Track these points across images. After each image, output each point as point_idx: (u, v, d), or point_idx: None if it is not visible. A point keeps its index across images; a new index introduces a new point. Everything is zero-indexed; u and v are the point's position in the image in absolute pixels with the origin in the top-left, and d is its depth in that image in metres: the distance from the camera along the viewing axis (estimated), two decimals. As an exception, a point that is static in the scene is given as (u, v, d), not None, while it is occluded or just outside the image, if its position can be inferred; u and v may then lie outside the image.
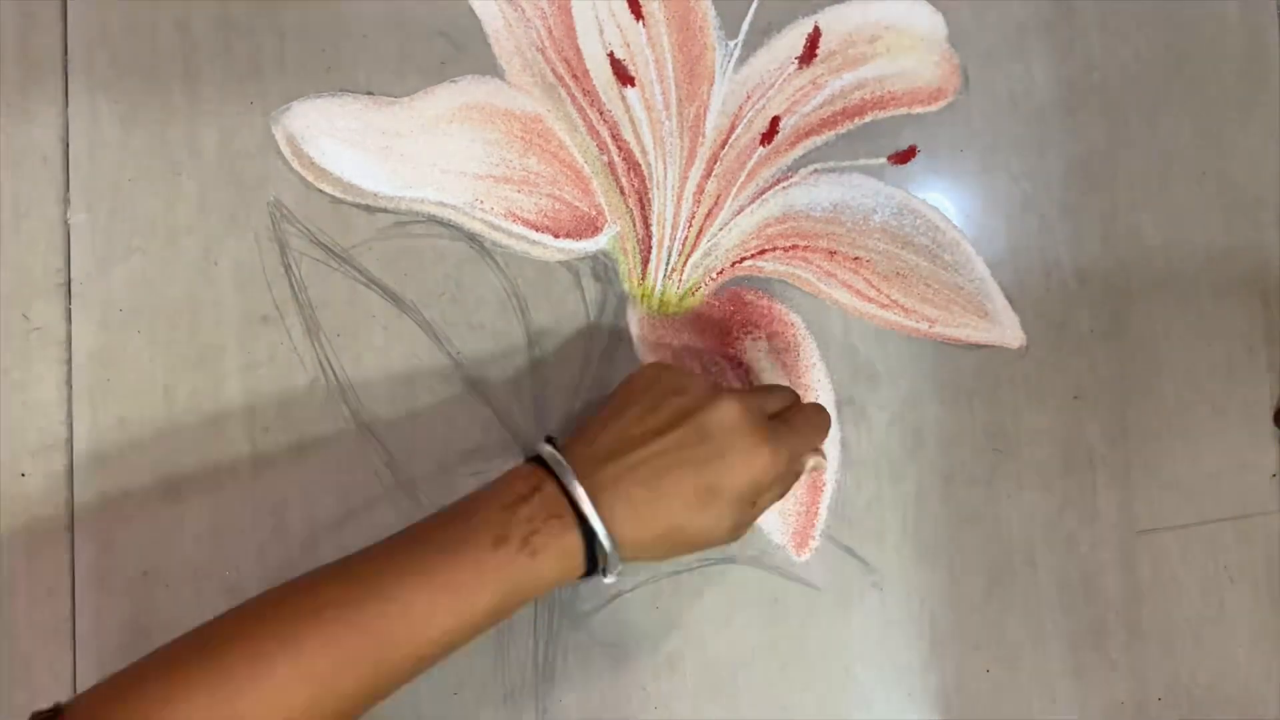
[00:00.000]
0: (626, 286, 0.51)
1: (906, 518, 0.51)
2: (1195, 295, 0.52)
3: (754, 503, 0.42)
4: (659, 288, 0.51)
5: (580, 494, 0.40)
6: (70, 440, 0.49)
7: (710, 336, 0.51)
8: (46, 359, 0.49)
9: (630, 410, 0.43)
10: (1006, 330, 0.51)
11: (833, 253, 0.51)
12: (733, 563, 0.50)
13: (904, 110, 0.52)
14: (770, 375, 0.51)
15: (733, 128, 0.51)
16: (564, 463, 0.41)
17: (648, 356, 0.50)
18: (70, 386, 0.49)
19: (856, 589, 0.50)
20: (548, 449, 0.42)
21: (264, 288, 0.50)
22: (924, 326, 0.51)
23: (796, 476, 0.45)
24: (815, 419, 0.45)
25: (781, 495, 0.45)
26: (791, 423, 0.44)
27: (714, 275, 0.51)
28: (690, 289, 0.51)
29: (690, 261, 0.51)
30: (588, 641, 0.50)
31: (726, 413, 0.42)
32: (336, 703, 0.37)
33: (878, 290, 0.51)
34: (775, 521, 0.50)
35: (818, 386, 0.51)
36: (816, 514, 0.50)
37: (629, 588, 0.50)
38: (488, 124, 0.50)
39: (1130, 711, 0.51)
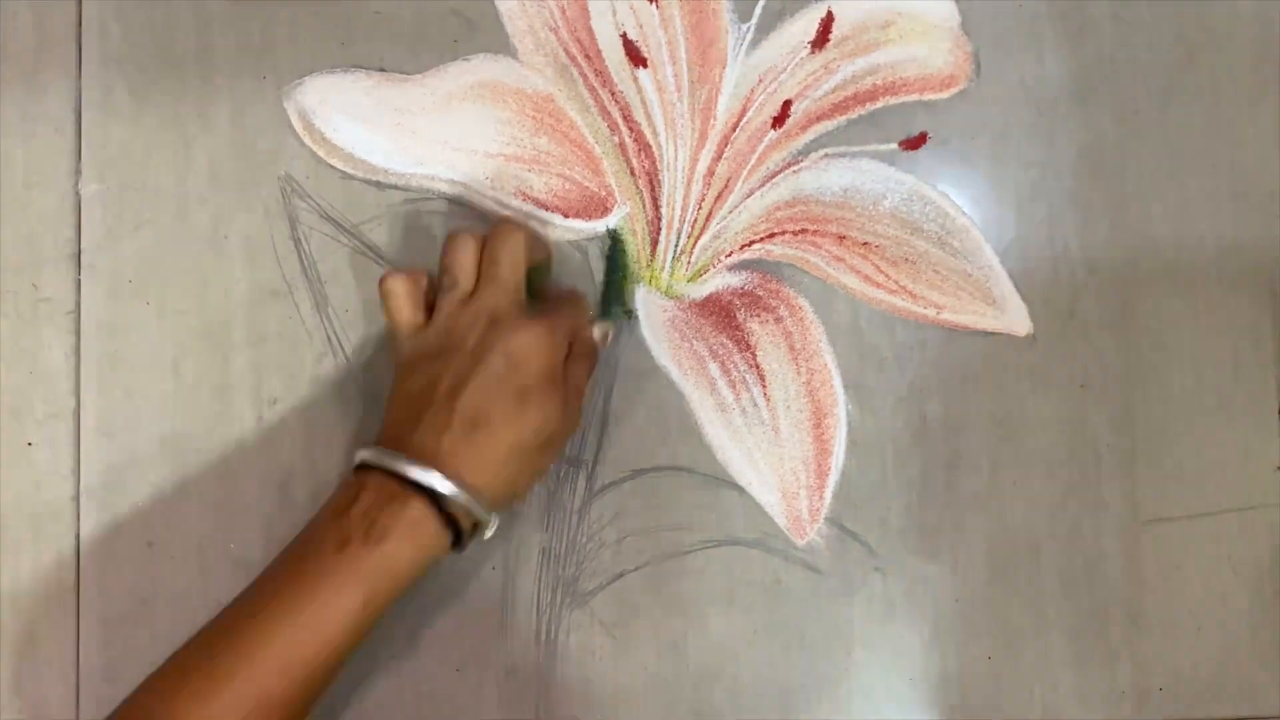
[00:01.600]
0: (635, 268, 0.51)
1: (910, 503, 0.51)
2: (1203, 287, 0.52)
3: (563, 379, 0.43)
4: (667, 269, 0.51)
5: (400, 461, 0.41)
6: (77, 410, 0.49)
7: (718, 319, 0.51)
8: (55, 329, 0.49)
9: (406, 380, 0.44)
10: (1014, 318, 0.51)
11: (842, 238, 0.51)
12: (735, 545, 0.50)
13: (915, 97, 0.52)
14: (777, 358, 0.51)
15: (744, 111, 0.51)
16: (375, 447, 0.42)
17: (655, 338, 0.51)
18: (78, 357, 0.49)
19: (859, 573, 0.50)
20: (359, 452, 0.42)
21: (273, 262, 0.50)
22: (931, 313, 0.51)
23: (593, 349, 0.47)
24: (573, 294, 0.48)
25: (591, 368, 0.47)
26: (555, 305, 0.46)
27: (723, 258, 0.51)
28: (699, 271, 0.51)
29: (699, 244, 0.51)
30: (589, 620, 0.50)
31: (477, 317, 0.43)
32: None
33: (886, 276, 0.51)
34: (778, 504, 0.50)
35: (825, 370, 0.51)
36: (821, 497, 0.50)
37: (631, 568, 0.50)
38: (499, 102, 0.50)
39: (1131, 701, 0.51)
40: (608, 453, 0.50)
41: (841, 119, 0.51)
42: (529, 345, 0.42)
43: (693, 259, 0.51)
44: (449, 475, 0.41)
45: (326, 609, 0.39)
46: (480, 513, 0.42)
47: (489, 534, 0.43)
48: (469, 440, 0.41)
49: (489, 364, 0.42)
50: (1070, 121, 0.52)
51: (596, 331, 0.48)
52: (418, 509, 0.40)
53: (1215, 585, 0.51)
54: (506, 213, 0.49)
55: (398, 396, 0.44)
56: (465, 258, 0.45)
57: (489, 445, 0.42)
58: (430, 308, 0.45)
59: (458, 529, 0.42)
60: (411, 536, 0.40)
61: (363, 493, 0.41)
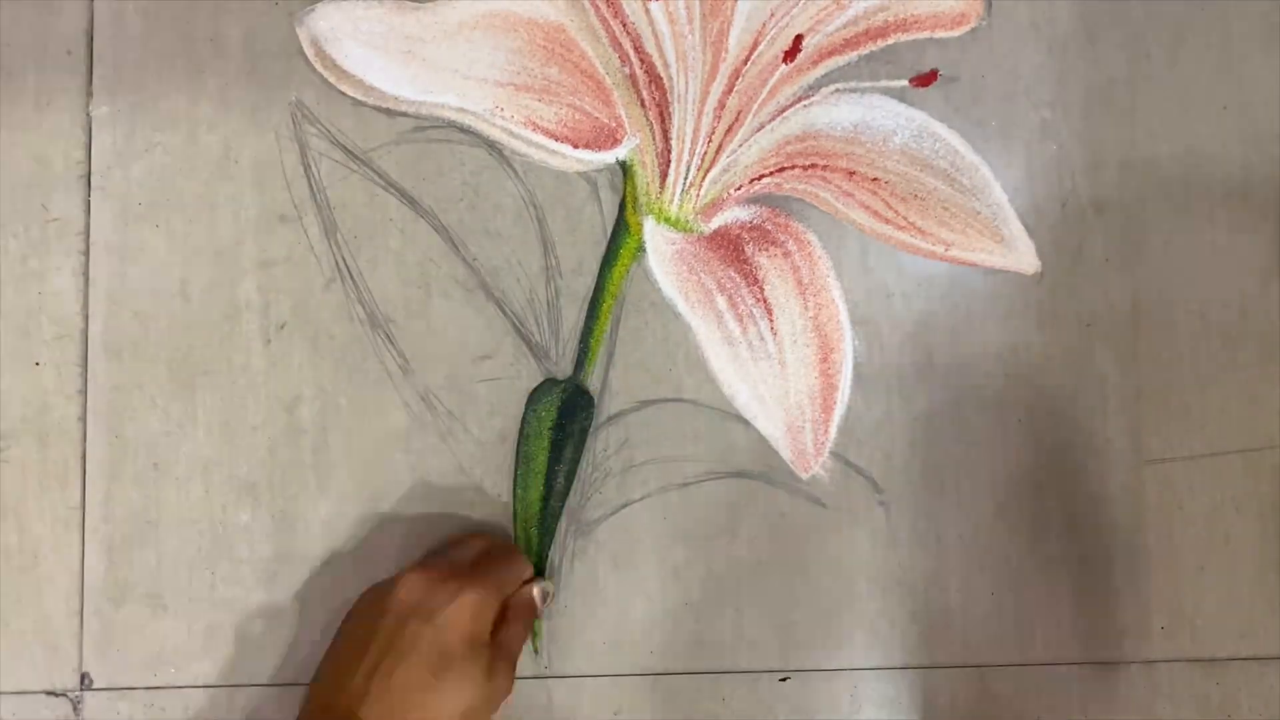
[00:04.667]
0: (644, 200, 0.51)
1: (915, 438, 0.51)
2: (1211, 227, 0.52)
3: (492, 644, 0.44)
4: (676, 202, 0.51)
5: None
6: (85, 331, 0.49)
7: (726, 252, 0.51)
8: (64, 249, 0.49)
9: (342, 647, 0.45)
10: (1022, 256, 0.51)
11: (851, 173, 0.51)
12: (740, 477, 0.50)
13: (927, 34, 0.52)
14: (784, 292, 0.51)
15: (756, 44, 0.51)
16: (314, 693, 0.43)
17: (663, 271, 0.51)
18: (87, 278, 0.49)
19: (863, 507, 0.50)
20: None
21: (283, 187, 0.50)
22: (940, 249, 0.51)
23: (530, 609, 0.47)
24: (507, 551, 0.48)
25: (527, 630, 0.47)
26: (486, 565, 0.46)
27: (732, 191, 0.51)
28: (708, 204, 0.51)
29: (709, 177, 0.51)
30: (593, 549, 0.50)
31: (410, 586, 0.44)
32: None
33: (895, 211, 0.51)
34: (783, 437, 0.50)
35: (832, 305, 0.51)
36: (826, 431, 0.51)
37: (636, 498, 0.50)
38: (510, 32, 0.50)
39: (1133, 640, 0.51)
40: (614, 383, 0.50)
41: (853, 54, 0.51)
42: (454, 611, 0.43)
43: (702, 192, 0.51)
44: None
45: None
46: None
47: None
48: (385, 709, 0.42)
49: (408, 629, 0.43)
50: (1080, 61, 0.52)
51: (536, 592, 0.47)
52: None
53: (1218, 526, 0.51)
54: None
55: (329, 659, 0.45)
56: (473, 543, 0.47)
57: (404, 710, 0.42)
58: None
59: None
60: None
61: None
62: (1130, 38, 0.52)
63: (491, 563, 0.47)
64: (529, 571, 0.48)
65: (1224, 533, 0.51)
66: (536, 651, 0.49)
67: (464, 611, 0.43)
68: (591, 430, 0.50)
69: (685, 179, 0.51)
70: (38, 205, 0.49)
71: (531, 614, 0.47)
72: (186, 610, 0.49)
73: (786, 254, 0.51)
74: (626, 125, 0.51)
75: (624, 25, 0.51)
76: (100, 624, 0.48)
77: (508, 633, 0.46)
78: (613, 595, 0.50)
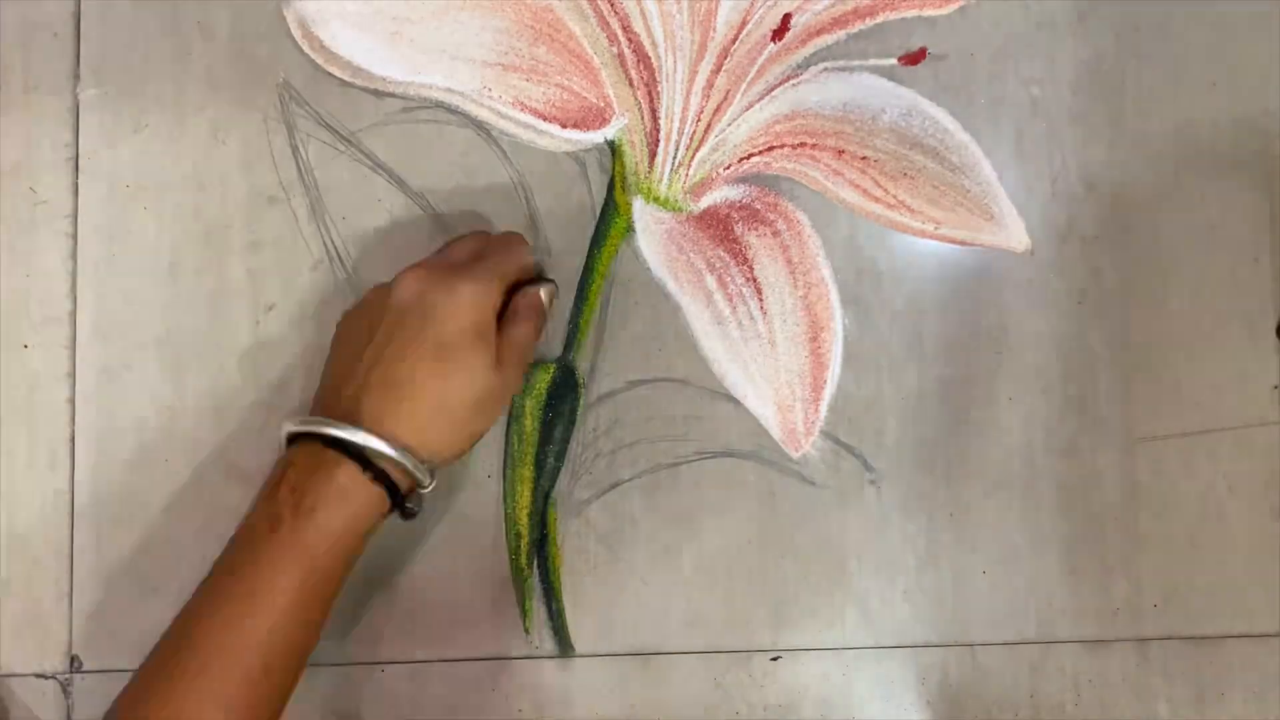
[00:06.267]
0: (633, 179, 0.51)
1: (906, 417, 0.51)
2: (1202, 205, 0.52)
3: (496, 336, 0.43)
4: (665, 181, 0.51)
5: (323, 424, 0.40)
6: (74, 313, 0.49)
7: (716, 232, 0.51)
8: (52, 232, 0.49)
9: (336, 349, 0.44)
10: (1012, 234, 0.51)
11: (840, 152, 0.51)
12: (730, 456, 0.50)
13: (915, 12, 0.51)
14: (774, 271, 0.50)
15: (744, 23, 0.51)
16: (299, 417, 0.42)
17: (652, 250, 0.50)
18: (75, 260, 0.49)
19: (854, 486, 0.50)
20: (284, 424, 0.42)
21: (271, 168, 0.50)
22: (930, 228, 0.51)
23: (534, 309, 0.46)
24: (506, 241, 0.46)
25: (538, 328, 0.45)
26: (485, 256, 0.45)
27: (721, 170, 0.51)
28: (697, 184, 0.51)
29: (698, 156, 0.51)
30: (584, 529, 0.50)
31: (408, 283, 0.43)
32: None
33: (884, 190, 0.51)
34: (773, 416, 0.50)
35: (822, 284, 0.51)
36: (816, 410, 0.50)
37: (626, 478, 0.50)
38: (498, 12, 0.50)
39: (1126, 618, 0.51)
40: (604, 363, 0.50)
41: (841, 33, 0.51)
42: (450, 302, 0.42)
43: (691, 171, 0.51)
44: (373, 434, 0.40)
45: (269, 595, 0.39)
46: (413, 468, 0.41)
47: (428, 489, 0.43)
48: (391, 399, 0.41)
49: (407, 324, 0.42)
50: (1070, 38, 0.52)
51: (542, 293, 0.46)
52: (346, 475, 0.40)
53: (1211, 503, 0.51)
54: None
55: (328, 366, 0.44)
56: (470, 240, 0.46)
57: (412, 404, 0.41)
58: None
59: (395, 491, 0.41)
60: (343, 503, 0.40)
61: (290, 468, 0.41)
62: (1119, 14, 0.52)
63: (490, 253, 0.45)
64: (530, 259, 0.47)
65: (1216, 510, 0.51)
66: (527, 632, 0.49)
67: (462, 302, 0.42)
68: (581, 410, 0.50)
69: (674, 158, 0.51)
70: (25, 188, 0.49)
71: (538, 314, 0.46)
72: (176, 593, 0.48)
73: (776, 233, 0.51)
74: (615, 105, 0.51)
75: (612, 4, 0.50)
76: (90, 607, 0.48)
77: (515, 330, 0.44)
78: (603, 575, 0.50)
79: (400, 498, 0.42)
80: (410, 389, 0.41)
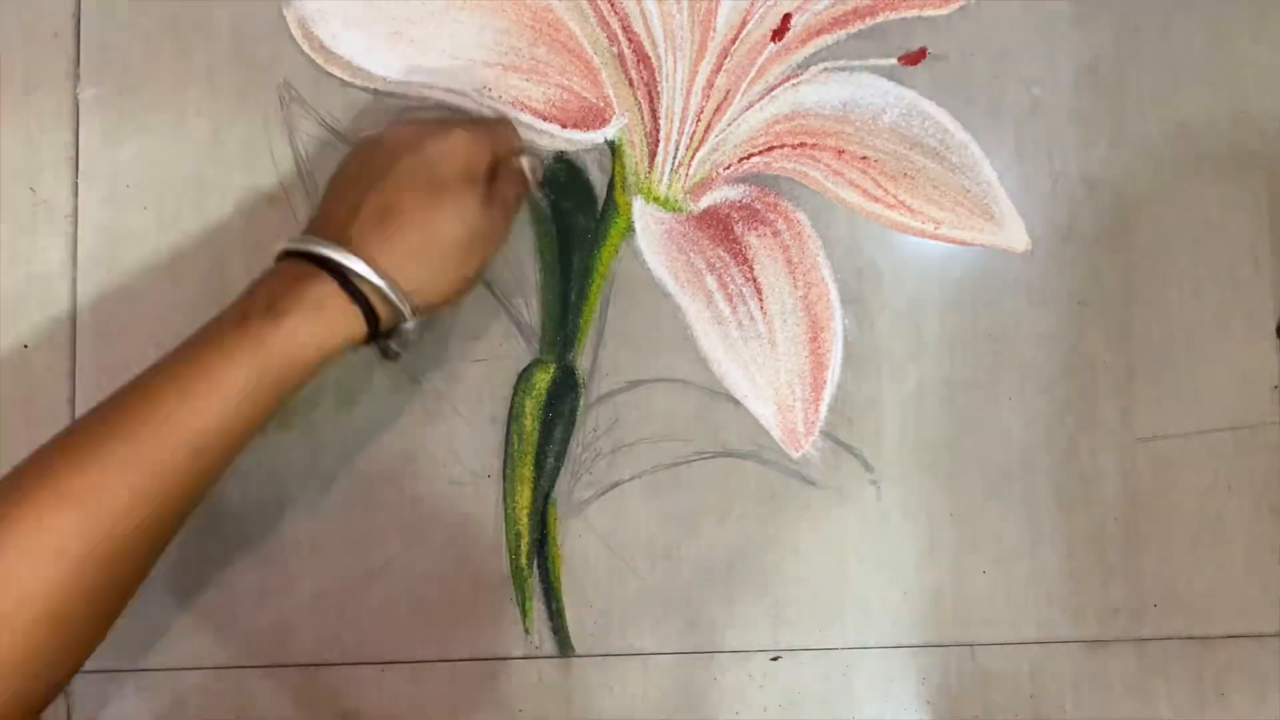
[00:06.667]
0: (633, 179, 0.51)
1: (906, 417, 0.51)
2: (1201, 205, 0.52)
3: (482, 183, 0.43)
4: (665, 181, 0.51)
5: (310, 241, 0.40)
6: (74, 314, 0.49)
7: (716, 232, 0.51)
8: (52, 232, 0.49)
9: (334, 186, 0.44)
10: (1012, 234, 0.51)
11: (841, 152, 0.51)
12: (730, 456, 0.50)
13: (915, 12, 0.51)
14: (774, 272, 0.50)
15: (744, 23, 0.51)
16: (298, 234, 0.42)
17: (652, 250, 0.50)
18: (75, 261, 0.49)
19: (854, 486, 0.50)
20: (276, 244, 0.42)
21: (271, 169, 0.50)
22: (930, 228, 0.51)
23: (520, 179, 0.46)
24: (497, 118, 0.48)
25: (519, 194, 0.46)
26: (477, 122, 0.47)
27: (721, 170, 0.51)
28: (697, 184, 0.51)
29: (698, 156, 0.51)
30: (584, 529, 0.50)
31: (400, 130, 0.44)
32: (115, 520, 0.37)
33: (885, 190, 0.51)
34: (773, 416, 0.50)
35: (821, 284, 0.51)
36: (816, 410, 0.50)
37: (626, 478, 0.50)
38: (498, 12, 0.50)
39: (1125, 617, 0.51)
40: (604, 363, 0.50)
41: (841, 33, 0.51)
42: (445, 144, 0.43)
43: (691, 171, 0.51)
44: (357, 256, 0.40)
45: (217, 381, 0.39)
46: (394, 297, 0.41)
47: (410, 327, 0.42)
48: (380, 226, 0.41)
49: (403, 161, 0.42)
50: (1070, 39, 0.52)
51: (525, 162, 0.47)
52: (324, 288, 0.40)
53: (1210, 503, 0.51)
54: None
55: (323, 200, 0.44)
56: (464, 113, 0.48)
57: (400, 233, 0.41)
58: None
59: (373, 319, 0.41)
60: (315, 314, 0.40)
61: (270, 276, 0.41)
62: (1119, 15, 0.52)
63: (481, 119, 0.47)
64: (519, 140, 0.48)
65: (1216, 510, 0.51)
66: (527, 632, 0.49)
67: (456, 145, 0.43)
68: (581, 410, 0.50)
69: (674, 158, 0.51)
70: (26, 188, 0.49)
71: (523, 181, 0.47)
72: (176, 592, 0.49)
73: (776, 233, 0.51)
74: (615, 105, 0.51)
75: (612, 4, 0.50)
76: (90, 606, 0.48)
77: (502, 184, 0.45)
78: (603, 575, 0.50)
79: (377, 329, 0.42)
80: (399, 220, 0.41)
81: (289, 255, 0.42)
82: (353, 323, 0.41)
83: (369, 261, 0.40)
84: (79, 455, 0.38)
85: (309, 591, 0.49)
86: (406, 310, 0.42)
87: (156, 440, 0.38)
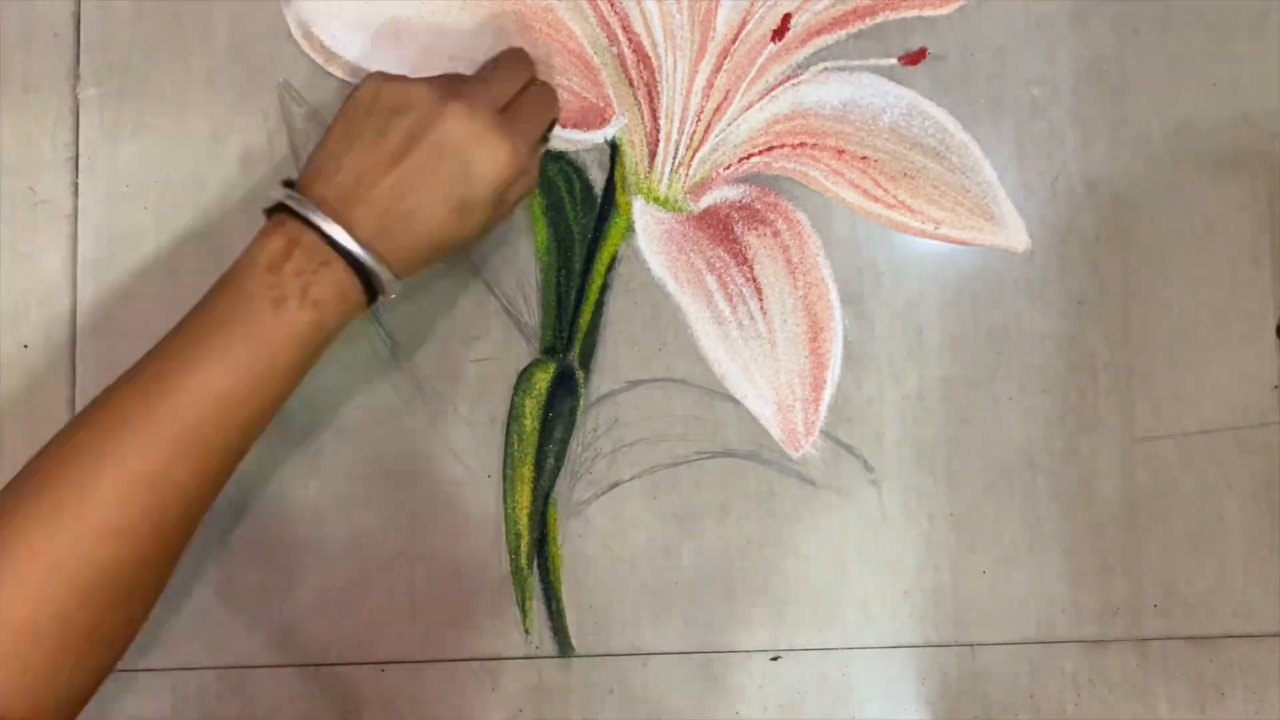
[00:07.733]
0: (633, 179, 0.51)
1: (906, 417, 0.51)
2: (1201, 205, 0.52)
3: (504, 200, 0.43)
4: (666, 181, 0.51)
5: (346, 239, 0.41)
6: (74, 314, 0.49)
7: (716, 232, 0.51)
8: (52, 232, 0.49)
9: (359, 139, 0.42)
10: (1012, 234, 0.51)
11: (840, 151, 0.51)
12: (730, 456, 0.50)
13: (915, 12, 0.51)
14: (774, 271, 0.50)
15: (744, 23, 0.51)
16: (317, 209, 0.41)
17: (652, 250, 0.50)
18: (75, 260, 0.49)
19: (854, 486, 0.50)
20: (292, 196, 0.41)
21: (271, 169, 0.50)
22: (930, 228, 0.51)
23: (549, 98, 0.47)
24: (543, 98, 0.47)
25: (531, 185, 0.45)
26: (521, 111, 0.45)
27: (721, 170, 0.51)
28: (697, 184, 0.51)
29: (698, 156, 0.51)
30: (584, 529, 0.50)
31: (456, 122, 0.42)
32: (177, 492, 0.39)
33: (884, 190, 0.51)
34: (773, 416, 0.50)
35: (821, 284, 0.51)
36: (816, 410, 0.50)
37: (626, 478, 0.50)
38: (498, 12, 0.50)
39: (1126, 618, 0.51)
40: (604, 363, 0.50)
41: (841, 33, 0.51)
42: (503, 165, 0.42)
43: (691, 171, 0.51)
44: (372, 253, 0.41)
45: (265, 367, 0.40)
46: (394, 288, 0.42)
47: (391, 297, 0.43)
48: (406, 232, 0.41)
49: (455, 170, 0.42)
50: (1070, 39, 0.52)
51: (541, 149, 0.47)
52: (349, 282, 0.41)
53: (1211, 503, 0.51)
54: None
55: (358, 144, 0.42)
56: (512, 73, 0.46)
57: (420, 239, 0.42)
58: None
59: (371, 289, 0.42)
60: (340, 304, 0.41)
61: (296, 250, 0.40)
62: (1119, 15, 0.52)
63: (531, 108, 0.46)
64: (531, 71, 0.47)
65: (1216, 510, 0.51)
66: (527, 632, 0.49)
67: (500, 164, 0.42)
68: (581, 410, 0.50)
69: (674, 158, 0.51)
70: (25, 188, 0.49)
71: (537, 165, 0.46)
72: (174, 591, 0.49)
73: (776, 233, 0.51)
74: (615, 105, 0.51)
75: (612, 4, 0.50)
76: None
77: (518, 186, 0.44)
78: (603, 575, 0.50)
79: (375, 298, 0.43)
80: (418, 232, 0.42)
81: (293, 214, 0.41)
82: (361, 305, 0.42)
83: (384, 260, 0.41)
84: (134, 426, 0.39)
85: (309, 591, 0.49)
86: (395, 291, 0.43)
87: (205, 417, 0.39)
